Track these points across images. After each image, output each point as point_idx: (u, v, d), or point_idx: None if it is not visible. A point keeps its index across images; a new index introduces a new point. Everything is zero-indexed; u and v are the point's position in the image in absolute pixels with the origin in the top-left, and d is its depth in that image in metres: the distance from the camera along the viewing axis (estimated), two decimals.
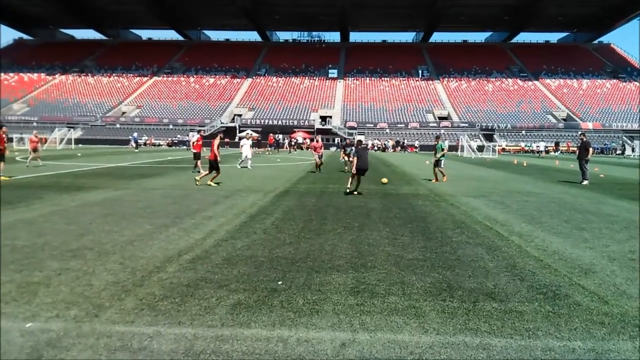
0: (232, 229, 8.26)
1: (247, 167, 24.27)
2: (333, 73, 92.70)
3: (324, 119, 76.45)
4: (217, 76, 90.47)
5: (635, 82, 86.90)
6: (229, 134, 64.57)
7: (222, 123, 72.28)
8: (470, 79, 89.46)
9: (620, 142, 70.16)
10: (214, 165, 15.40)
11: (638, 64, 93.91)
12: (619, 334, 4.08)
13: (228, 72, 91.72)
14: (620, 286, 5.40)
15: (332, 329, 4.07)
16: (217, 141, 15.75)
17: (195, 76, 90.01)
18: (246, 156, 24.79)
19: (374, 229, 8.64)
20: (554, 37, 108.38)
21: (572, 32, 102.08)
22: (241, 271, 5.72)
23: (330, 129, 70.27)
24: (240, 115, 76.70)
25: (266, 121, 73.62)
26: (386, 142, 66.79)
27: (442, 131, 71.83)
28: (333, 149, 63.04)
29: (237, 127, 71.00)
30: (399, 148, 65.88)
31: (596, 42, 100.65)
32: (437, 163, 18.73)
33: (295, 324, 4.17)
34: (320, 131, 69.09)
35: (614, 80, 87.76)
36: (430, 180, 18.46)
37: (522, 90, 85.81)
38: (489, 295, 4.98)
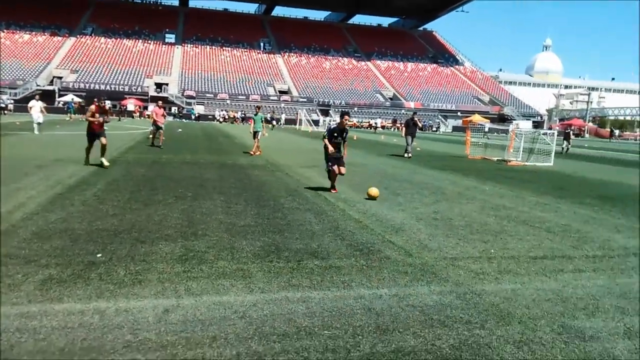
0: (44, 201, 7.43)
1: (35, 132, 22.64)
2: (170, 38, 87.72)
3: (159, 86, 72.28)
4: (34, 33, 79.09)
5: (451, 68, 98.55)
6: (47, 99, 57.43)
7: (38, 85, 63.87)
8: (309, 56, 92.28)
9: (437, 120, 79.31)
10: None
11: (454, 51, 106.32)
12: (418, 280, 4.68)
13: (47, 29, 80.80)
14: (423, 241, 6.18)
15: (155, 297, 3.95)
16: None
17: (5, 31, 77.26)
18: (37, 120, 23.06)
19: (207, 198, 8.53)
20: (385, 21, 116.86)
21: (401, 18, 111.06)
22: (54, 245, 5.20)
23: (167, 97, 66.75)
24: (60, 78, 68.49)
25: (92, 85, 67.02)
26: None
27: (282, 105, 73.33)
28: (170, 118, 60.01)
29: (57, 91, 63.49)
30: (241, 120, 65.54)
31: (421, 29, 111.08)
32: (255, 135, 18.14)
33: (114, 295, 3.95)
34: (155, 99, 65.10)
35: (434, 65, 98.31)
36: (249, 152, 17.96)
37: (356, 70, 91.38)
38: (313, 254, 5.31)
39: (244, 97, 74.32)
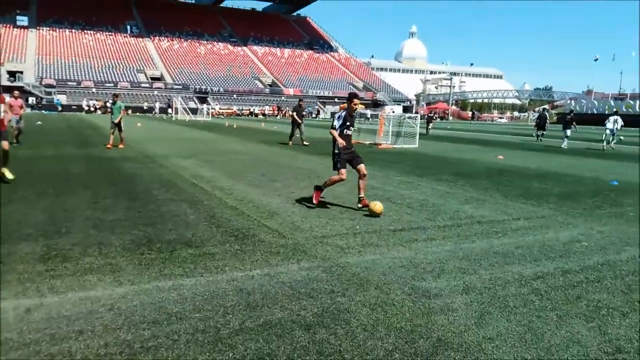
0: None
1: None
2: (22, 21, 78.77)
3: (12, 74, 64.85)
4: None
5: (327, 54, 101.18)
6: None
7: None
8: (182, 40, 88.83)
9: (316, 107, 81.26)
10: None
11: (328, 38, 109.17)
12: (289, 259, 4.96)
13: None
14: (296, 223, 6.50)
15: (15, 298, 3.76)
16: None
17: None
18: None
19: (72, 194, 8.05)
20: (258, 5, 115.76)
21: (274, 2, 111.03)
22: None
23: (23, 87, 60.17)
24: None
25: None
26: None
27: (156, 92, 69.99)
28: (28, 109, 54.16)
29: None
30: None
31: (295, 14, 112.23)
32: (114, 125, 16.49)
33: None
34: (9, 89, 58.47)
35: (310, 51, 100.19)
36: (106, 145, 16.42)
37: (233, 55, 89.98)
38: (186, 244, 5.35)
39: (112, 85, 69.46)
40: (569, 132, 24.31)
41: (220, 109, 69.25)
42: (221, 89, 76.27)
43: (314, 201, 7.59)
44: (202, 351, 3.06)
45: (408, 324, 3.58)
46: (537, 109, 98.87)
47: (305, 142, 19.91)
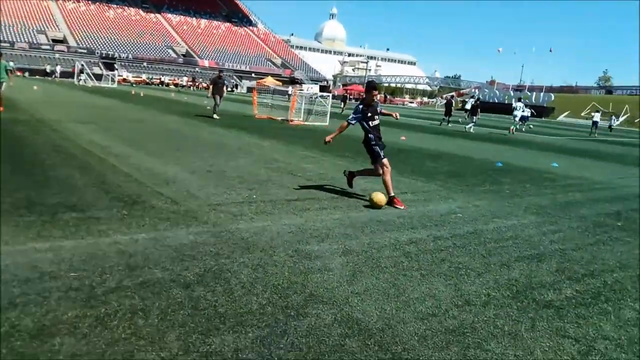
0: None
1: None
2: None
3: None
4: None
5: (245, 28, 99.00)
6: None
7: None
8: (89, 2, 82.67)
9: (232, 81, 79.54)
10: None
11: (248, 11, 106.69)
12: (179, 225, 4.99)
13: None
14: (192, 191, 6.50)
15: None
16: None
17: None
18: None
19: None
20: None
21: None
22: None
23: None
24: None
25: None
26: None
27: (57, 55, 64.85)
28: None
29: None
30: None
31: None
32: None
33: None
34: None
35: (228, 24, 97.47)
36: None
37: (145, 22, 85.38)
38: (70, 208, 5.18)
39: (8, 45, 63.27)
40: (475, 118, 26.15)
41: (128, 76, 65.61)
42: (130, 56, 72.31)
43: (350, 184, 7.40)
44: (74, 307, 3.06)
45: (285, 282, 3.79)
46: (444, 95, 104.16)
47: (215, 116, 19.57)
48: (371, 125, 6.99)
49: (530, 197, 8.30)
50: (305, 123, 20.86)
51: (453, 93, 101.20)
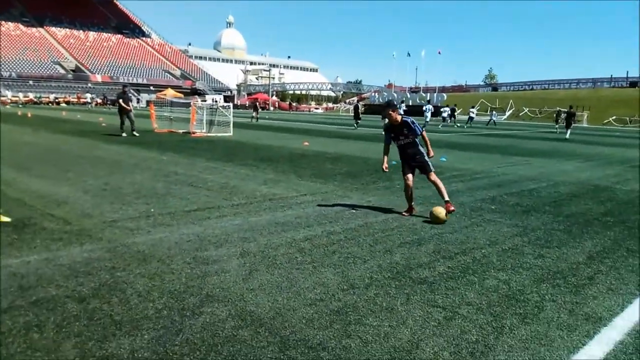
0: None
1: None
2: None
3: None
4: None
5: (138, 39, 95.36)
6: None
7: None
8: None
9: (129, 95, 76.17)
10: None
11: (140, 22, 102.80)
12: (72, 244, 4.95)
13: None
14: (86, 210, 6.40)
15: None
16: None
17: None
18: None
19: None
20: None
21: None
22: None
23: None
24: None
25: None
26: None
27: None
28: None
29: None
30: None
31: None
32: None
33: None
34: None
35: (119, 36, 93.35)
36: None
37: (27, 37, 79.48)
38: None
39: None
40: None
41: (13, 96, 60.58)
42: (13, 74, 66.92)
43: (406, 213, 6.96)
44: None
45: (182, 287, 3.98)
46: (348, 100, 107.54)
47: (135, 133, 18.66)
48: (399, 144, 6.95)
49: (417, 189, 9.04)
50: (209, 134, 20.75)
51: (355, 97, 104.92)
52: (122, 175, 9.37)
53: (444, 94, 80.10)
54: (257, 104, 38.59)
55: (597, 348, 3.27)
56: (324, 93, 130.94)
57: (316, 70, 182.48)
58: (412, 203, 7.05)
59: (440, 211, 6.55)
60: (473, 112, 43.26)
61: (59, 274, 4.11)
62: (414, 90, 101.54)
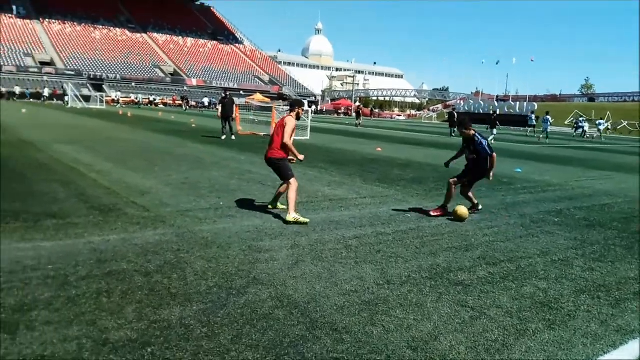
0: None
1: None
2: None
3: None
4: None
5: (232, 46, 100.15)
6: None
7: None
8: (75, 24, 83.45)
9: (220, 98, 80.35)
10: None
11: (234, 29, 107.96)
12: (147, 228, 5.64)
13: None
14: (164, 201, 7.15)
15: None
16: None
17: None
18: None
19: None
20: None
21: None
22: None
23: None
24: None
25: None
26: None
27: (45, 78, 65.35)
28: None
29: None
30: None
31: (198, 3, 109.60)
32: None
33: None
34: None
35: (214, 42, 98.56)
36: None
37: (131, 42, 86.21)
38: (51, 216, 5.83)
39: None
40: (495, 130, 28.95)
41: (116, 97, 66.16)
42: (118, 77, 72.96)
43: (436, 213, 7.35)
44: (49, 290, 3.71)
45: (233, 269, 4.46)
46: (432, 107, 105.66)
47: (233, 137, 19.30)
48: (469, 157, 7.42)
49: (481, 198, 9.01)
50: None
51: (440, 105, 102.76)
52: (201, 171, 10.20)
53: (535, 104, 76.37)
54: (360, 111, 39.93)
55: (617, 354, 3.29)
56: (408, 100, 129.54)
57: (401, 77, 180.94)
58: (448, 204, 7.44)
59: (463, 210, 7.04)
60: (583, 123, 40.93)
61: (132, 252, 4.75)
62: (503, 99, 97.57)
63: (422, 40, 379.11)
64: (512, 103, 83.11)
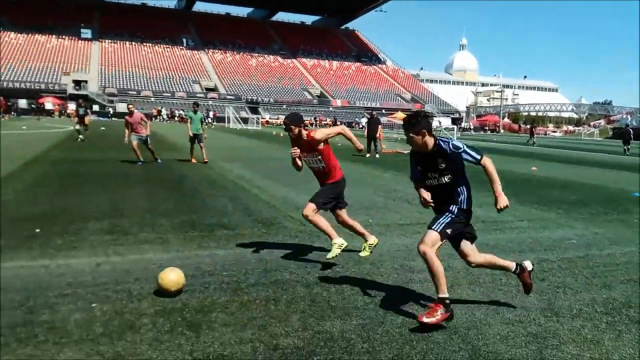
0: None
1: None
2: (86, 33, 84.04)
3: (77, 83, 69.55)
4: None
5: (374, 66, 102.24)
6: None
7: None
8: (234, 53, 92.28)
9: (363, 118, 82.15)
10: None
11: (377, 50, 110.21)
12: (305, 241, 5.97)
13: None
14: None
15: (88, 256, 4.96)
16: None
17: None
18: None
19: (130, 188, 9.40)
20: (307, 19, 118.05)
21: (323, 16, 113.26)
22: None
23: (87, 95, 64.48)
24: None
25: (4, 83, 63.45)
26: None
27: (210, 102, 72.98)
28: (93, 116, 58.02)
29: None
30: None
31: (343, 27, 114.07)
32: (195, 138, 14.72)
33: (54, 256, 4.92)
34: (74, 97, 62.88)
35: (358, 64, 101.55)
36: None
37: (283, 67, 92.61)
38: (223, 227, 6.47)
39: (169, 95, 73.35)
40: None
41: (270, 118, 71.33)
42: (271, 100, 78.74)
43: None
44: (225, 295, 4.11)
45: (387, 287, 4.49)
46: (592, 123, 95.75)
47: (377, 155, 19.87)
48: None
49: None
50: None
51: (602, 120, 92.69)
52: (349, 188, 10.43)
53: None
54: (534, 128, 38.90)
55: None
56: (565, 115, 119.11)
57: (556, 90, 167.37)
58: None
59: None
60: None
61: (294, 263, 5.06)
62: None
63: (580, 50, 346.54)
64: None
